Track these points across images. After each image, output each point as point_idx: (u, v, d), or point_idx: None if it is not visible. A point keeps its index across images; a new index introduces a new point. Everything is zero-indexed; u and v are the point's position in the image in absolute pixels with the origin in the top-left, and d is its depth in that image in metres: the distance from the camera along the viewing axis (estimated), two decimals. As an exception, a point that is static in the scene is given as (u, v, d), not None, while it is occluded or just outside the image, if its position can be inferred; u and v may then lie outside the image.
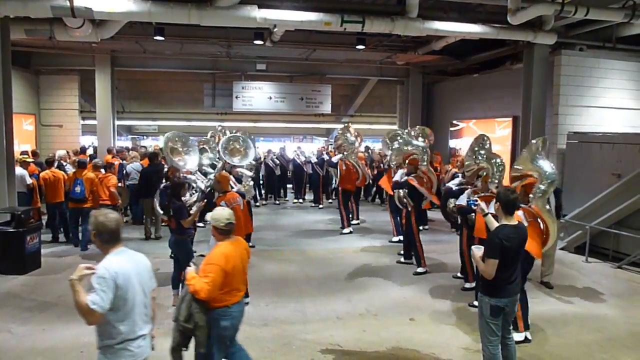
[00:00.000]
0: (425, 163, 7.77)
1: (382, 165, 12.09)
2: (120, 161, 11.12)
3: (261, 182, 14.10)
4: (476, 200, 4.95)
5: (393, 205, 8.85)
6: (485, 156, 6.13)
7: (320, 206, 13.49)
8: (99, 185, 8.32)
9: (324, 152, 14.13)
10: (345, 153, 10.18)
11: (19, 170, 8.97)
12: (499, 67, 13.31)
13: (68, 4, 7.53)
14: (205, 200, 6.60)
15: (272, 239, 9.61)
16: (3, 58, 8.28)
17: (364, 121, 20.79)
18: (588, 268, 7.98)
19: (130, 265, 2.83)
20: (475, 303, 5.23)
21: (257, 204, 13.20)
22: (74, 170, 9.04)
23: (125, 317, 2.76)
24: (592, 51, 10.78)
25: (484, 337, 3.99)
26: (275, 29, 10.23)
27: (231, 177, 7.01)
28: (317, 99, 16.15)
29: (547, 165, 5.25)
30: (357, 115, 20.91)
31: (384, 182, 9.09)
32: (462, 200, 6.18)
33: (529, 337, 5.11)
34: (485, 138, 6.35)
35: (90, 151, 14.14)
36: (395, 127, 17.05)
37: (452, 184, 7.07)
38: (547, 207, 5.30)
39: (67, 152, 11.96)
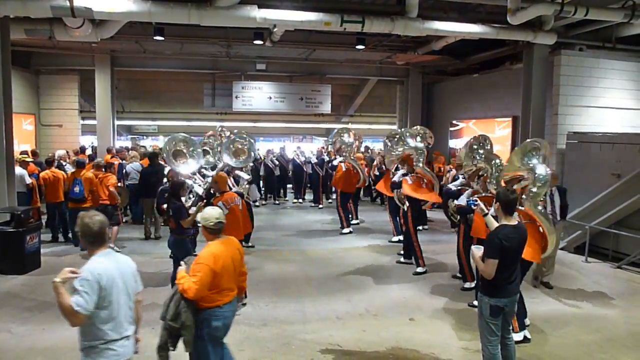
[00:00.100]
0: (420, 164, 7.75)
1: (383, 167, 12.06)
2: (120, 161, 11.12)
3: (260, 182, 14.09)
4: (476, 200, 4.95)
5: (393, 205, 8.87)
6: (484, 156, 6.12)
7: (320, 206, 13.49)
8: (98, 185, 8.30)
9: (324, 152, 14.14)
10: (344, 154, 10.20)
11: (18, 170, 8.97)
12: (498, 67, 13.31)
13: (68, 4, 7.53)
14: (205, 201, 6.59)
15: (272, 239, 9.61)
16: (3, 58, 8.29)
17: (364, 121, 20.83)
18: (588, 268, 7.99)
19: (115, 267, 2.87)
20: (475, 303, 5.24)
21: (257, 204, 13.19)
22: (73, 170, 9.05)
23: (109, 319, 2.80)
24: (591, 51, 10.78)
25: (484, 337, 4.00)
26: (275, 29, 10.22)
27: (230, 178, 6.99)
28: (317, 99, 16.14)
29: (541, 168, 5.08)
30: (357, 115, 20.91)
31: (380, 187, 9.00)
32: (462, 201, 6.19)
33: (528, 335, 5.10)
34: (486, 138, 6.35)
35: (89, 151, 14.17)
36: (395, 127, 17.08)
37: (453, 185, 7.08)
38: (541, 209, 5.20)
39: (67, 152, 11.96)
